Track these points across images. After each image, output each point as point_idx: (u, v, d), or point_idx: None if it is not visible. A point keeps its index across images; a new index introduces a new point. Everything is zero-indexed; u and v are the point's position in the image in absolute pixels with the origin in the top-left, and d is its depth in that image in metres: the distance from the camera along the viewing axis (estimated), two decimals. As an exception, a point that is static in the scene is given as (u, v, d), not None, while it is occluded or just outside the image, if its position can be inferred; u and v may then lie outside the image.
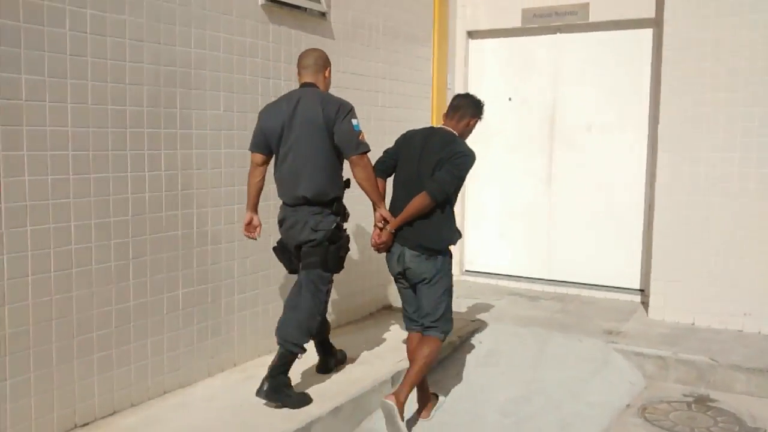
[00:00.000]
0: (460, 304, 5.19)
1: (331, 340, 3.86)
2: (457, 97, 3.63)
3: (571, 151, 5.61)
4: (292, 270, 3.59)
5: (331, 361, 3.82)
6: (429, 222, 3.37)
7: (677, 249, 4.78)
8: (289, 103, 3.41)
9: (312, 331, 3.47)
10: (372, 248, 3.48)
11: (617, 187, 5.42)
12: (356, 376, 3.75)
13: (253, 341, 3.96)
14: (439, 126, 3.62)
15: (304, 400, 3.39)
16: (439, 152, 3.38)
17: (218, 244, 3.73)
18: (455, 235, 3.48)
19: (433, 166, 3.36)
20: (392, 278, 3.56)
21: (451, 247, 3.50)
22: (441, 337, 3.45)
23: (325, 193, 3.41)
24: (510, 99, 5.86)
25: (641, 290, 5.35)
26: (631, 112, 5.34)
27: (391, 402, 3.17)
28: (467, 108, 3.53)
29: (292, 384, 3.40)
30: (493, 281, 6.03)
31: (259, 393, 3.29)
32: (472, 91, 3.84)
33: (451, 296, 3.51)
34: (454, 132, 3.49)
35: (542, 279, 5.83)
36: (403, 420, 3.18)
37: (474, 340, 4.48)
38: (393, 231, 3.41)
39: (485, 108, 3.57)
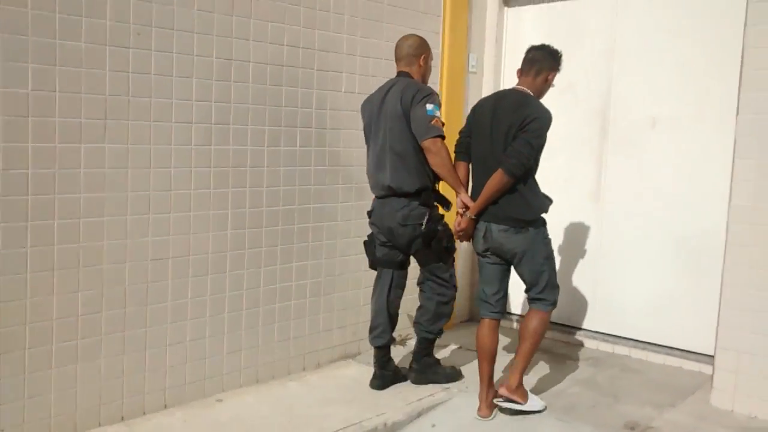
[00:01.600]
0: (455, 356, 3.97)
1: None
2: (531, 49, 3.30)
3: (628, 154, 4.07)
4: (372, 265, 3.63)
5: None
6: (512, 195, 3.13)
7: (760, 305, 3.16)
8: (379, 94, 3.47)
9: (444, 316, 3.55)
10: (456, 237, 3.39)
11: (692, 206, 3.82)
12: None
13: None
14: (510, 88, 3.32)
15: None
16: (510, 119, 3.13)
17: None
18: (545, 201, 3.22)
19: (504, 136, 3.14)
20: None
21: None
22: (548, 309, 3.26)
23: (410, 184, 3.36)
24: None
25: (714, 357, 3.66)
26: (714, 100, 3.72)
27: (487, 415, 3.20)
28: (544, 60, 3.24)
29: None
30: (515, 324, 4.57)
31: (372, 384, 3.52)
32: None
33: (553, 263, 3.30)
34: (527, 91, 3.22)
35: (581, 328, 4.33)
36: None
37: (424, 421, 3.19)
38: (474, 216, 3.21)
39: None
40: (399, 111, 3.33)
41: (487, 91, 4.71)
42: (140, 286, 3.07)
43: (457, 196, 3.32)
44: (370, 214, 3.54)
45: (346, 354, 3.99)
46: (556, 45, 4.32)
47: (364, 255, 3.63)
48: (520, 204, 3.11)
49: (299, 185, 3.68)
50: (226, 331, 3.41)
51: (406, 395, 3.36)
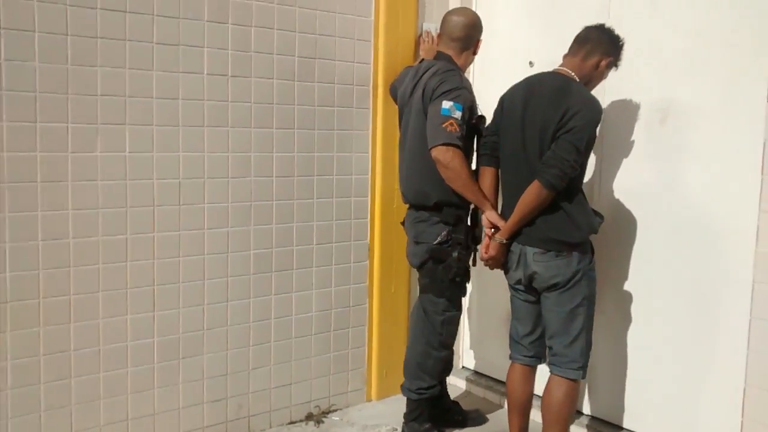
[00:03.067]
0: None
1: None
2: (587, 28, 2.66)
3: (629, 163, 2.98)
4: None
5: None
6: (553, 212, 2.52)
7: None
8: (413, 78, 2.94)
9: (432, 369, 2.96)
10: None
11: (714, 236, 2.69)
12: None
13: None
14: (549, 71, 2.65)
15: None
16: (545, 113, 2.49)
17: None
18: (594, 219, 2.59)
19: (540, 136, 2.50)
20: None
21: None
22: (579, 375, 2.58)
23: (425, 195, 2.86)
24: (531, 64, 3.34)
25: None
26: (743, 86, 2.58)
27: None
28: (599, 43, 2.61)
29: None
30: (496, 394, 3.58)
31: None
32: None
33: (592, 312, 2.60)
34: (571, 75, 2.57)
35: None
36: None
37: None
38: (505, 240, 2.60)
39: None
40: (420, 105, 2.84)
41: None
42: None
43: (482, 214, 2.73)
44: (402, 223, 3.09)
45: None
46: (539, 14, 3.40)
47: None
48: (563, 222, 2.50)
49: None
50: None
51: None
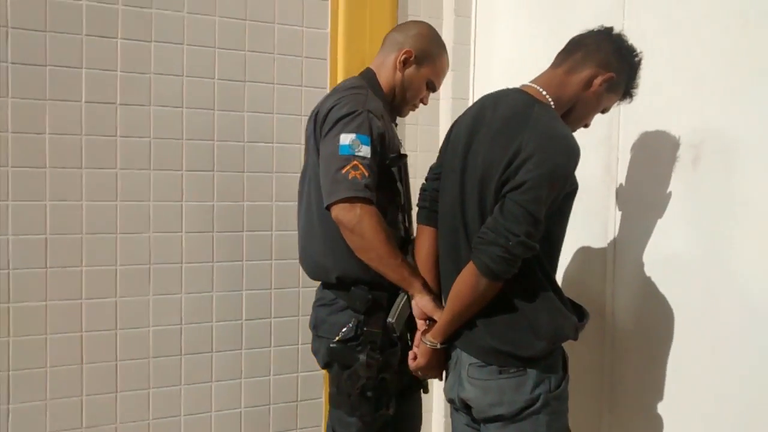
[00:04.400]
0: None
1: None
2: (587, 31, 1.75)
3: (652, 220, 1.99)
4: None
5: None
6: (501, 311, 1.62)
7: None
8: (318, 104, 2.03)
9: None
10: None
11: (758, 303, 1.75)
12: None
13: None
14: (516, 87, 1.72)
15: None
16: (491, 153, 1.61)
17: None
18: (567, 320, 1.64)
19: (480, 187, 1.62)
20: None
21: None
22: None
23: (324, 269, 1.96)
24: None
25: None
26: None
27: None
28: (596, 51, 1.69)
29: None
30: None
31: None
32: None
33: None
34: (542, 95, 1.66)
35: None
36: None
37: None
38: (439, 345, 1.71)
39: None
40: (313, 140, 1.98)
41: (445, 107, 2.90)
42: None
43: (412, 300, 1.85)
44: None
45: None
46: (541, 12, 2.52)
47: None
48: (513, 325, 1.63)
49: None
50: None
51: None
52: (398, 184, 2.01)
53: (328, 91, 2.64)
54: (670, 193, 1.95)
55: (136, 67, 2.37)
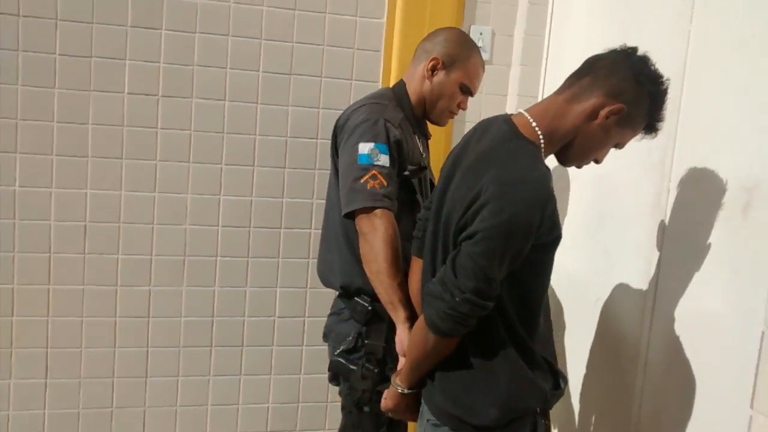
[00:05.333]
0: None
1: None
2: (603, 53, 1.50)
3: (696, 273, 1.67)
4: None
5: None
6: (456, 368, 1.48)
7: None
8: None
9: None
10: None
11: None
12: None
13: None
14: (504, 114, 1.54)
15: None
16: (457, 193, 1.44)
17: None
18: (534, 388, 1.47)
19: (444, 230, 1.48)
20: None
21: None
22: None
23: (327, 275, 2.01)
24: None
25: None
26: None
27: None
28: (608, 76, 1.44)
29: None
30: None
31: None
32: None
33: None
34: (531, 127, 1.45)
35: None
36: None
37: None
38: (406, 390, 1.59)
39: None
40: (332, 148, 1.98)
41: (512, 104, 2.67)
42: None
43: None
44: None
45: None
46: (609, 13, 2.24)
47: None
48: (467, 386, 1.46)
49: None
50: None
51: None
52: (417, 196, 1.92)
53: (380, 85, 2.52)
54: (715, 241, 1.65)
55: (179, 59, 2.36)
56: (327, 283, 2.04)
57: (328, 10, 2.47)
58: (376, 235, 1.76)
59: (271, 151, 2.48)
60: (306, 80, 2.48)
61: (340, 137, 1.90)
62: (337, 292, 2.00)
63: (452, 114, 2.05)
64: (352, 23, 2.50)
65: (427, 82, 1.96)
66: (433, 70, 1.95)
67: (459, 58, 1.95)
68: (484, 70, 2.03)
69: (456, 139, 2.54)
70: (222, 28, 2.38)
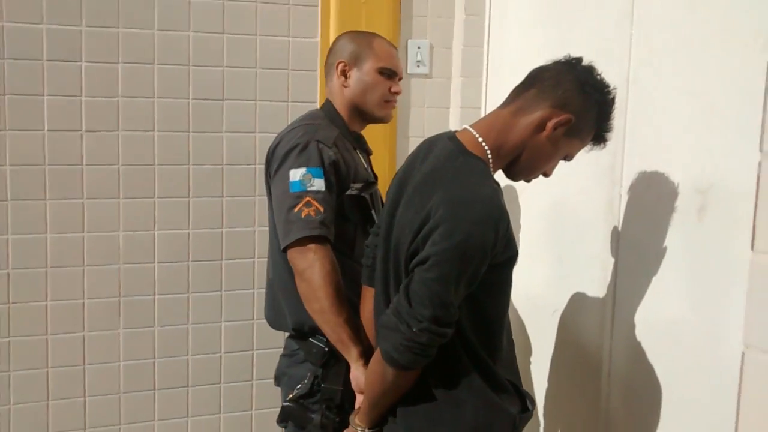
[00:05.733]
0: None
1: None
2: (551, 63, 1.44)
3: (653, 279, 1.64)
4: None
5: None
6: (419, 400, 1.36)
7: None
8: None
9: None
10: None
11: None
12: None
13: None
14: (449, 132, 1.45)
15: None
16: (405, 215, 1.35)
17: None
18: (499, 415, 1.36)
19: (395, 255, 1.38)
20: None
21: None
22: None
23: (281, 317, 1.83)
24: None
25: None
26: None
27: None
28: (554, 87, 1.38)
29: None
30: None
31: None
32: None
33: None
34: (477, 142, 1.37)
35: None
36: None
37: None
38: (367, 430, 1.46)
39: None
40: (265, 179, 1.87)
41: (455, 117, 2.62)
42: None
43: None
44: None
45: None
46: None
47: None
48: (435, 419, 1.37)
49: None
50: None
51: None
52: (373, 212, 1.83)
53: (317, 105, 2.43)
54: (672, 245, 1.61)
55: (102, 91, 2.23)
56: (277, 326, 1.91)
57: (258, 32, 2.38)
58: (313, 271, 1.65)
59: (207, 181, 2.36)
60: (240, 105, 2.38)
61: (272, 166, 1.79)
62: (289, 334, 1.88)
63: (389, 103, 1.93)
64: (285, 44, 2.41)
65: (345, 88, 1.88)
66: (345, 73, 1.88)
67: (361, 49, 1.87)
68: (396, 49, 1.95)
69: (400, 156, 2.48)
70: (147, 57, 2.26)
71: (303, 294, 1.68)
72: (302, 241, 1.65)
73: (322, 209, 1.67)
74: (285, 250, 1.69)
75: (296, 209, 1.66)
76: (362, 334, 1.65)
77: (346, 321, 1.65)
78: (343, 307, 1.66)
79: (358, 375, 1.63)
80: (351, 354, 1.65)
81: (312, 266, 1.64)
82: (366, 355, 1.62)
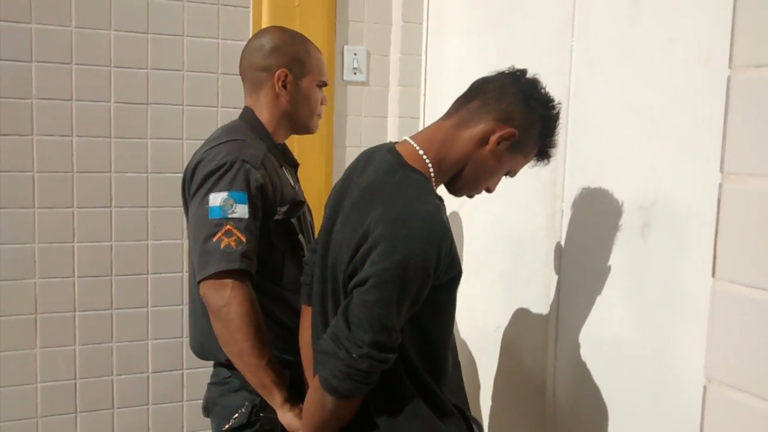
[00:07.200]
0: None
1: None
2: (494, 75, 1.37)
3: (597, 300, 1.60)
4: None
5: None
6: (368, 425, 1.27)
7: None
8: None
9: None
10: None
11: None
12: None
13: None
14: (388, 143, 1.36)
15: None
16: (342, 233, 1.27)
17: None
18: None
19: (332, 275, 1.29)
20: None
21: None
22: None
23: (210, 349, 1.63)
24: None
25: None
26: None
27: None
28: (498, 100, 1.31)
29: None
30: None
31: None
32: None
33: None
34: (417, 155, 1.30)
35: None
36: None
37: None
38: None
39: None
40: (182, 200, 1.72)
41: (393, 126, 2.55)
42: None
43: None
44: None
45: None
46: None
47: None
48: None
49: None
50: None
51: None
52: (300, 237, 1.71)
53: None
54: (616, 263, 1.58)
55: (13, 92, 2.06)
56: (207, 356, 1.73)
57: (186, 33, 2.25)
58: (229, 310, 1.50)
59: (130, 190, 2.22)
60: (166, 109, 2.24)
61: (191, 187, 1.62)
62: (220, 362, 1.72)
63: (319, 115, 1.83)
64: (215, 46, 2.29)
65: (283, 99, 1.73)
66: (285, 84, 1.71)
67: (302, 60, 1.73)
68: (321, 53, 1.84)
69: (337, 166, 2.39)
70: (64, 56, 2.10)
71: (219, 335, 1.54)
72: (219, 275, 1.50)
73: (244, 239, 1.52)
74: (199, 282, 1.54)
75: (215, 239, 1.50)
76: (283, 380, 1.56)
77: (267, 364, 1.53)
78: (265, 349, 1.54)
79: (287, 421, 1.53)
80: (275, 399, 1.54)
81: (229, 305, 1.50)
82: (292, 399, 1.53)
